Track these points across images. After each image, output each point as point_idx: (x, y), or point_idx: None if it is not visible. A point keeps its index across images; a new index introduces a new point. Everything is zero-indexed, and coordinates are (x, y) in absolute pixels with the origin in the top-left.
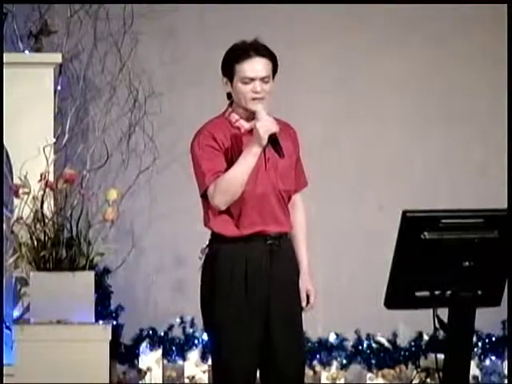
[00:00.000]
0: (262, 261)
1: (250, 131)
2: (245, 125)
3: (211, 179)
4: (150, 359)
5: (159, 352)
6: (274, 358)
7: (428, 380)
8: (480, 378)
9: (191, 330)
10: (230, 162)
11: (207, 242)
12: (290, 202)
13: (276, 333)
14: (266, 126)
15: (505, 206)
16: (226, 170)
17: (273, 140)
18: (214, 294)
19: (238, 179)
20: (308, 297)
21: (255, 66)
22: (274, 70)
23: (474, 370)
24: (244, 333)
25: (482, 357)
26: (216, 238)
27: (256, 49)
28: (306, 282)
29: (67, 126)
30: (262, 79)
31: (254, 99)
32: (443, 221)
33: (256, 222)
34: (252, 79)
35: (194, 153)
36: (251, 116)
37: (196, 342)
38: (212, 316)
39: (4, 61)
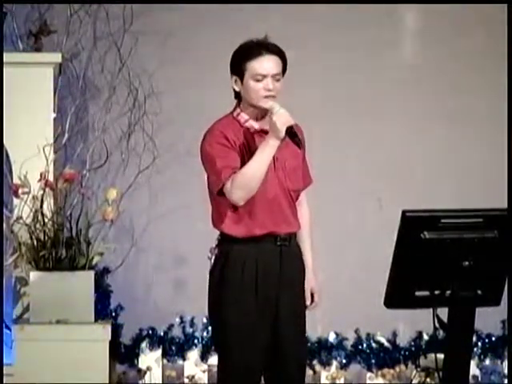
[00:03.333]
0: (272, 262)
1: (260, 131)
2: (254, 125)
3: (227, 175)
4: (149, 359)
5: (159, 352)
6: (281, 358)
7: (428, 380)
8: (480, 378)
9: (191, 330)
10: (242, 161)
11: (216, 242)
12: (297, 200)
13: (284, 333)
14: (283, 118)
15: (505, 205)
16: (241, 167)
17: (290, 132)
18: (223, 295)
19: (256, 172)
20: (312, 295)
21: (267, 63)
22: (284, 69)
23: (473, 370)
24: (253, 334)
25: (482, 357)
26: (226, 239)
27: (267, 46)
28: (311, 280)
29: (67, 126)
30: (274, 76)
31: (265, 97)
32: (443, 220)
33: (267, 223)
34: (264, 76)
35: (207, 152)
36: (260, 115)
37: (196, 341)
38: (221, 316)
39: (4, 60)
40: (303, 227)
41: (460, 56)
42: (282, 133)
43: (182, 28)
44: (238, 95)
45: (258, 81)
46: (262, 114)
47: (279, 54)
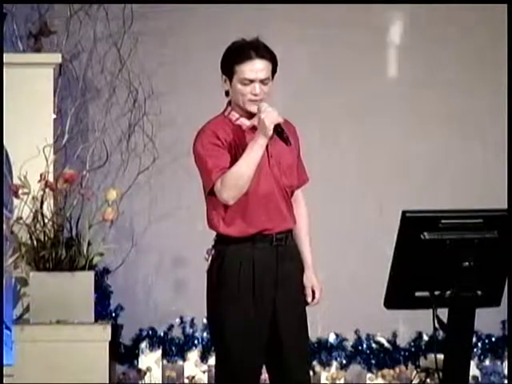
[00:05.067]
0: (268, 261)
1: (252, 128)
2: (246, 122)
3: (218, 175)
4: (149, 359)
5: (159, 352)
6: (282, 358)
7: (428, 380)
8: (480, 378)
9: (191, 330)
10: (234, 160)
11: (213, 243)
12: (292, 197)
13: (284, 333)
14: (270, 116)
15: (505, 206)
16: (232, 165)
17: (278, 130)
18: (220, 295)
19: (245, 172)
20: (313, 292)
21: (255, 68)
22: (274, 71)
23: (473, 370)
24: (251, 333)
25: (482, 357)
26: (222, 239)
27: (256, 50)
28: (311, 277)
29: (67, 126)
30: (262, 81)
31: (252, 101)
32: (443, 221)
33: (262, 220)
34: (251, 81)
35: (198, 152)
36: (251, 114)
37: (196, 342)
38: (219, 317)
39: (4, 61)
40: (301, 225)
41: (460, 56)
42: (270, 131)
43: (182, 28)
44: (228, 93)
45: (245, 85)
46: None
47: (269, 57)
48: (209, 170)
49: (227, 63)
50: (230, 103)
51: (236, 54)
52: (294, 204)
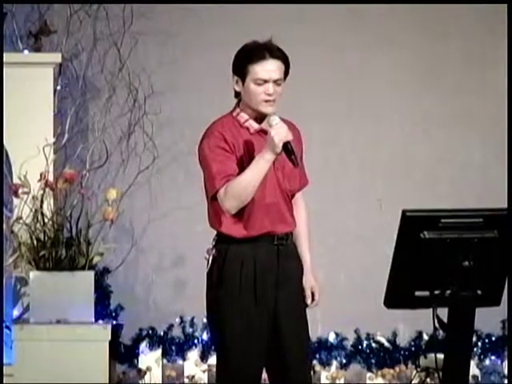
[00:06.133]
0: (269, 261)
1: (259, 131)
2: (254, 125)
3: (222, 182)
4: (149, 359)
5: (159, 352)
6: (283, 358)
7: (428, 380)
8: (480, 378)
9: (191, 330)
10: (240, 163)
11: (213, 243)
12: (292, 199)
13: (284, 333)
14: (280, 133)
15: (505, 205)
16: (237, 172)
17: (287, 149)
18: (221, 295)
19: (249, 184)
20: (313, 294)
21: (269, 68)
22: (286, 72)
23: (473, 370)
24: (252, 333)
25: (482, 357)
26: (223, 239)
27: (270, 50)
28: (310, 279)
29: (67, 126)
30: (275, 81)
31: (265, 101)
32: (443, 220)
33: (265, 223)
34: (265, 81)
35: (204, 154)
36: (260, 116)
37: (196, 341)
38: (219, 317)
39: (4, 61)
40: (301, 227)
41: (460, 56)
42: (279, 148)
43: (181, 28)
44: (238, 95)
45: (259, 85)
46: (262, 114)
47: (282, 58)
48: (213, 175)
49: (240, 63)
50: (238, 104)
51: (250, 54)
52: (294, 206)
